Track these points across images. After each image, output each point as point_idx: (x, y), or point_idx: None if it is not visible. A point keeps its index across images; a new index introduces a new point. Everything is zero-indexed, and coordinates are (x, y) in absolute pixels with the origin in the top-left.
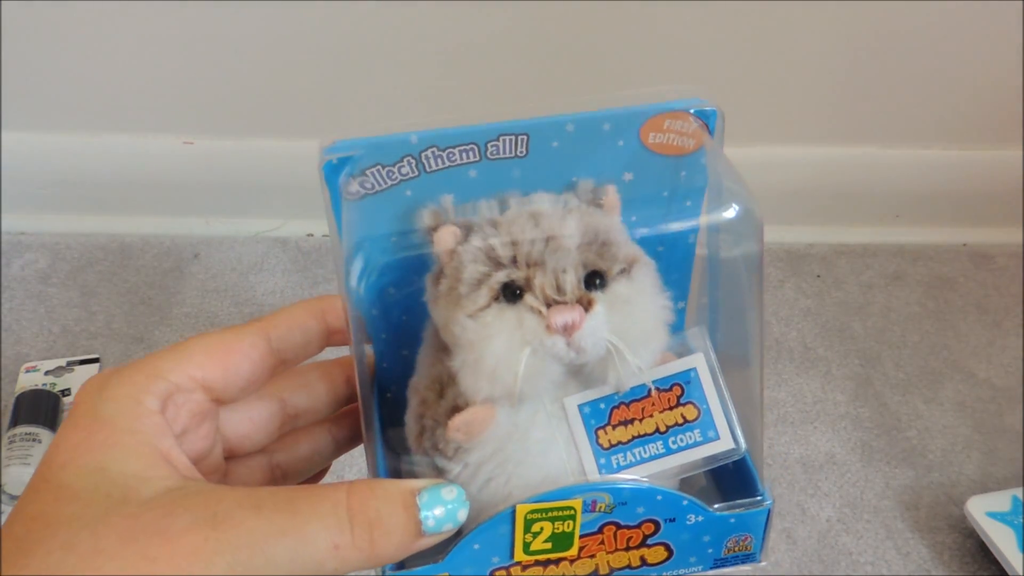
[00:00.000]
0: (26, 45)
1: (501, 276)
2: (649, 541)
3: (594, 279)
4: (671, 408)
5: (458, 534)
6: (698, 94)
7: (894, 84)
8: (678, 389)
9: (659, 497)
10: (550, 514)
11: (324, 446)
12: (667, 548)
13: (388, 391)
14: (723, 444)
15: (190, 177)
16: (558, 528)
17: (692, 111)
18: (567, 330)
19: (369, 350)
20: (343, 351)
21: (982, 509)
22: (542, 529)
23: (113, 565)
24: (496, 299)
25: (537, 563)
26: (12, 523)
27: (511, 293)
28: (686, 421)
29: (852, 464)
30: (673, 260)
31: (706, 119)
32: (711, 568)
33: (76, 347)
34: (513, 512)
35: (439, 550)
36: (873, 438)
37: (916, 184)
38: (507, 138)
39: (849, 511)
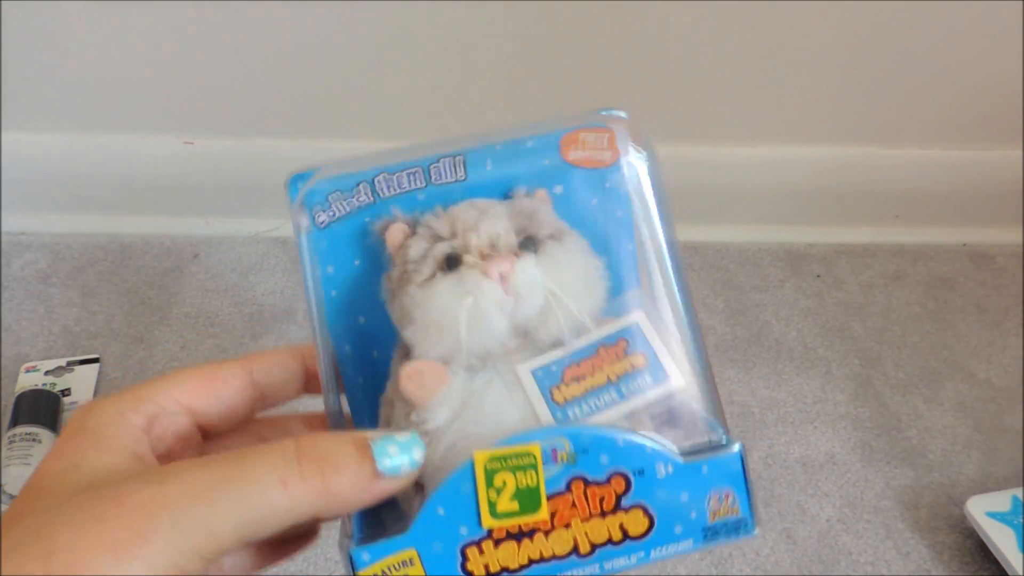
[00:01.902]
0: (26, 45)
1: (443, 247)
2: (624, 503)
3: (527, 244)
4: (619, 360)
5: (423, 499)
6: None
7: (894, 84)
8: (623, 343)
9: (621, 443)
10: (510, 462)
11: None
12: (646, 513)
13: None
14: (674, 383)
15: (190, 177)
16: (522, 481)
17: (600, 113)
18: (503, 278)
19: (345, 406)
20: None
21: (982, 509)
22: (505, 484)
23: (66, 532)
24: (441, 269)
25: (510, 535)
26: None
27: (454, 264)
28: (635, 368)
29: (852, 464)
30: (618, 273)
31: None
32: (702, 541)
33: (76, 347)
34: (473, 466)
35: (402, 516)
36: (873, 438)
37: (916, 184)
38: (446, 160)
39: (849, 511)
